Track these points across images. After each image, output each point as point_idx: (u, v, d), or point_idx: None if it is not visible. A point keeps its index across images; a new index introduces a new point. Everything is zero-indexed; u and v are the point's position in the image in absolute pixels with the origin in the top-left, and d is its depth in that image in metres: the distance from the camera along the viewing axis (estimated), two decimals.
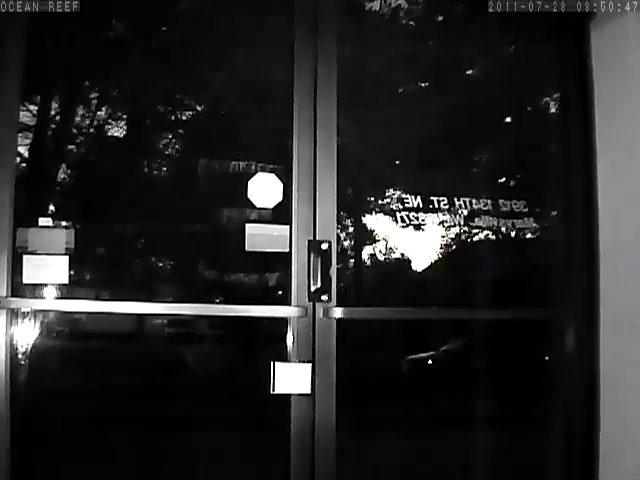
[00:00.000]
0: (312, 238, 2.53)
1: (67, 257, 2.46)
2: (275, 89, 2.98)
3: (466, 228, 3.58)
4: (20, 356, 2.61)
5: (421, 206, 3.05)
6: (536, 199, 3.26)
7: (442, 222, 3.17)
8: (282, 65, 2.67)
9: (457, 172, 3.57)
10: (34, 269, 2.39)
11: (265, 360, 2.49)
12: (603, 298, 2.83)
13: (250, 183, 2.71)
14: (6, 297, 2.31)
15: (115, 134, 3.55)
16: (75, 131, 3.57)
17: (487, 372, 3.64)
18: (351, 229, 3.96)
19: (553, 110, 3.37)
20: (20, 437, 2.35)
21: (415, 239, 3.62)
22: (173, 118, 3.81)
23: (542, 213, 3.34)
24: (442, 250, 3.91)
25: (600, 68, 2.91)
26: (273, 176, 2.72)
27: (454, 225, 3.28)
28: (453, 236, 3.81)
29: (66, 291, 2.51)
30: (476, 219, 3.18)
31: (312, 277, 2.50)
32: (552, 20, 2.93)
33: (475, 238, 3.80)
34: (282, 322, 2.55)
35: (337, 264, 2.54)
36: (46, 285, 2.48)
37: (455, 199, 3.08)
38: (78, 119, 3.53)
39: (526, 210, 3.17)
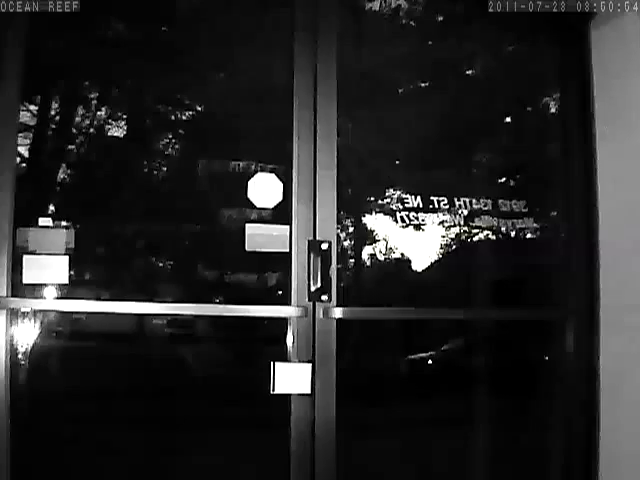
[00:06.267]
0: (312, 238, 2.52)
1: (67, 257, 2.45)
2: (275, 89, 2.98)
3: (466, 228, 3.58)
4: (20, 356, 2.61)
5: (421, 206, 3.05)
6: (536, 199, 3.26)
7: (442, 222, 3.17)
8: (282, 65, 2.67)
9: (457, 172, 3.57)
10: (34, 269, 2.39)
11: (265, 360, 2.49)
12: (603, 298, 2.83)
13: (250, 183, 2.71)
14: (6, 297, 2.30)
15: (115, 134, 3.55)
16: (75, 131, 3.56)
17: (487, 372, 3.64)
18: (351, 229, 3.96)
19: (553, 110, 3.37)
20: (20, 437, 2.35)
21: (415, 239, 3.62)
22: (173, 118, 3.81)
23: (542, 213, 3.34)
24: (442, 250, 3.91)
25: (600, 68, 2.91)
26: (273, 176, 2.72)
27: (454, 225, 3.28)
28: (453, 236, 3.81)
29: (66, 291, 2.51)
30: (476, 219, 3.18)
31: (312, 277, 2.50)
32: (552, 20, 2.93)
33: (475, 238, 3.80)
34: (282, 322, 2.55)
35: (337, 264, 2.54)
36: (46, 285, 2.48)
37: (455, 199, 3.08)
38: (78, 119, 3.53)
39: (526, 210, 3.17)
